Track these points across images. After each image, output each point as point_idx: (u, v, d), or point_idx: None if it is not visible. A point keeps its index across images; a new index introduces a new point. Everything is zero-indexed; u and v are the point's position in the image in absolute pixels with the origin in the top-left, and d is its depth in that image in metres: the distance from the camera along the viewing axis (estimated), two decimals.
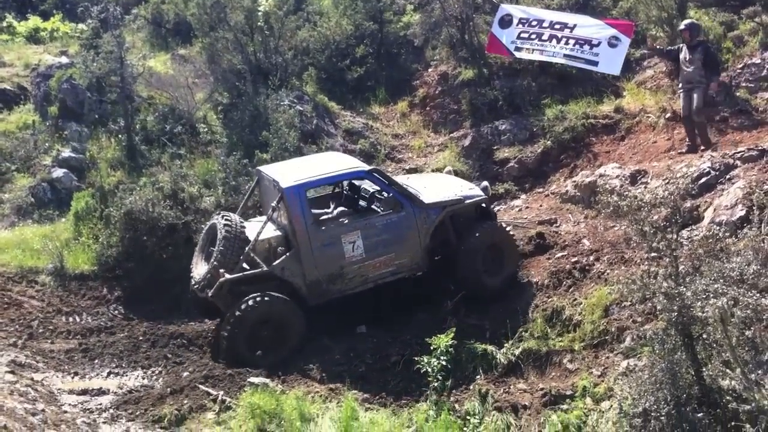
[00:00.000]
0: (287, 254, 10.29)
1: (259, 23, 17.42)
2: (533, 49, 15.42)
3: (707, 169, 11.08)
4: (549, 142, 15.15)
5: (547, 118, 15.54)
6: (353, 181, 11.71)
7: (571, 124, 15.11)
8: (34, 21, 24.07)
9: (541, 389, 8.66)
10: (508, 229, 11.59)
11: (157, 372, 9.99)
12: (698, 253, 6.97)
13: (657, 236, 6.95)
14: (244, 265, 10.23)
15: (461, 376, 9.27)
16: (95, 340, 10.73)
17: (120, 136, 16.11)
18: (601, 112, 15.04)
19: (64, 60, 18.70)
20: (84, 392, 9.24)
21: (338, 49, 18.98)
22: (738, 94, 13.86)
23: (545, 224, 12.38)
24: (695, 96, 12.81)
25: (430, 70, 18.95)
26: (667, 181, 11.16)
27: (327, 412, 8.33)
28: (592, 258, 10.66)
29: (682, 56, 13.05)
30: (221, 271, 10.02)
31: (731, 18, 15.45)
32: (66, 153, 15.69)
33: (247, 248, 10.22)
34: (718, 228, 8.70)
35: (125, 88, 16.44)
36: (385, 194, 10.84)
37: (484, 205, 11.56)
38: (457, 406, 8.53)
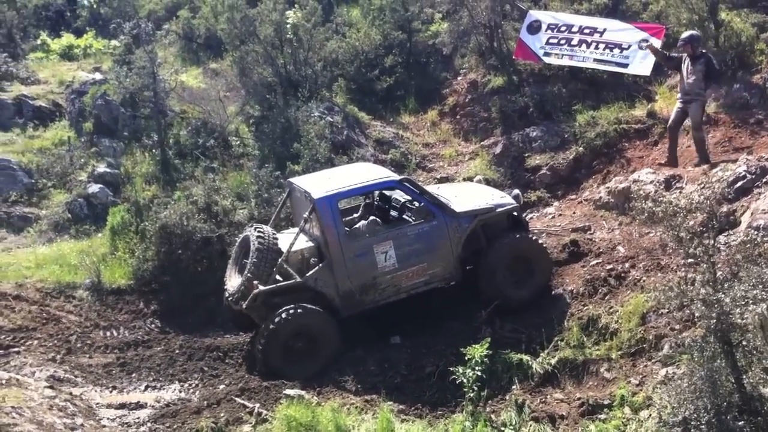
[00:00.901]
0: (320, 265, 10.31)
1: (288, 36, 17.54)
2: (563, 54, 15.40)
3: (743, 173, 10.90)
4: (581, 148, 15.03)
5: (579, 124, 15.42)
6: (384, 192, 11.73)
7: (603, 129, 14.97)
8: (67, 38, 24.49)
9: (579, 399, 8.58)
10: (538, 239, 11.46)
11: (193, 385, 10.09)
12: (736, 259, 6.89)
13: (693, 242, 6.86)
14: (278, 277, 10.29)
15: (497, 387, 9.19)
16: (132, 354, 10.86)
17: (154, 150, 16.30)
18: (634, 117, 14.90)
19: (97, 76, 19.01)
20: (122, 406, 9.38)
21: (367, 59, 19.04)
22: None
23: (579, 231, 12.27)
24: (692, 110, 12.52)
25: (459, 78, 18.92)
26: (702, 185, 11.04)
27: (363, 423, 8.33)
28: (627, 265, 10.54)
29: (684, 66, 12.77)
30: (255, 282, 10.07)
31: (764, 19, 15.22)
32: (101, 168, 15.89)
33: (280, 260, 10.27)
34: (756, 232, 8.67)
35: (158, 102, 16.64)
36: (417, 203, 10.83)
37: (515, 213, 11.48)
38: (493, 416, 8.46)
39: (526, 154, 15.63)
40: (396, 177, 11.08)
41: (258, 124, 17.04)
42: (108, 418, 9.01)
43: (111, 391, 9.81)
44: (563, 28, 15.58)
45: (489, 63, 18.26)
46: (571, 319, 10.04)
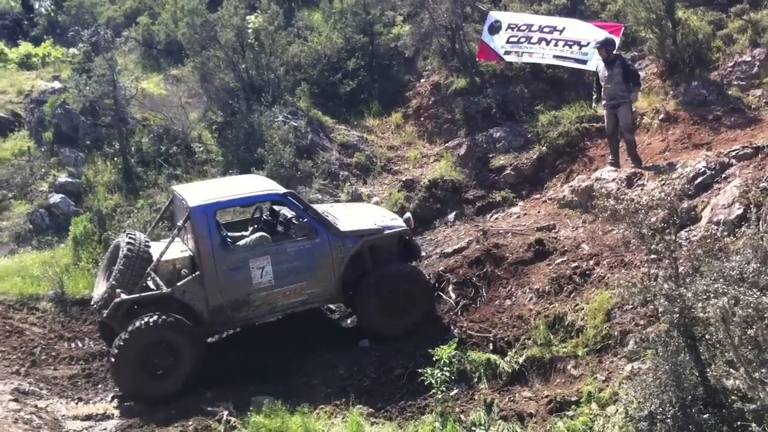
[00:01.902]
0: (190, 276, 9.78)
1: (249, 40, 17.50)
2: (522, 52, 15.63)
3: (703, 169, 11.09)
4: (544, 147, 15.16)
5: (541, 123, 15.56)
6: (274, 207, 11.39)
7: (565, 129, 15.12)
8: (25, 47, 24.14)
9: (546, 396, 8.62)
10: (420, 270, 11.14)
11: None
12: (697, 254, 6.97)
13: (655, 238, 6.94)
14: (150, 284, 9.89)
15: (466, 387, 9.23)
16: (98, 364, 10.71)
17: (115, 159, 16.14)
18: (595, 115, 15.05)
19: (57, 85, 18.77)
20: (88, 417, 9.24)
21: (330, 63, 19.06)
22: (730, 92, 13.89)
23: (544, 230, 12.34)
24: (621, 114, 12.68)
25: (422, 80, 19.01)
26: (663, 182, 11.19)
27: (332, 428, 8.32)
28: (592, 262, 10.61)
29: (601, 74, 12.94)
30: (118, 291, 9.51)
31: (720, 16, 15.54)
32: (62, 178, 15.70)
33: (149, 268, 9.76)
34: (716, 227, 8.77)
35: (119, 110, 16.47)
36: (300, 219, 10.39)
37: (407, 238, 11.17)
38: (462, 416, 8.47)
39: (491, 155, 15.72)
40: (280, 190, 10.61)
41: (221, 129, 16.97)
42: (74, 430, 8.89)
43: (77, 403, 9.66)
44: (523, 27, 15.77)
45: (451, 65, 18.36)
46: (538, 317, 10.09)
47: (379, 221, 10.98)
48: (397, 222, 11.13)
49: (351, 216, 11.14)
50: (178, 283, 9.73)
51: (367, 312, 10.53)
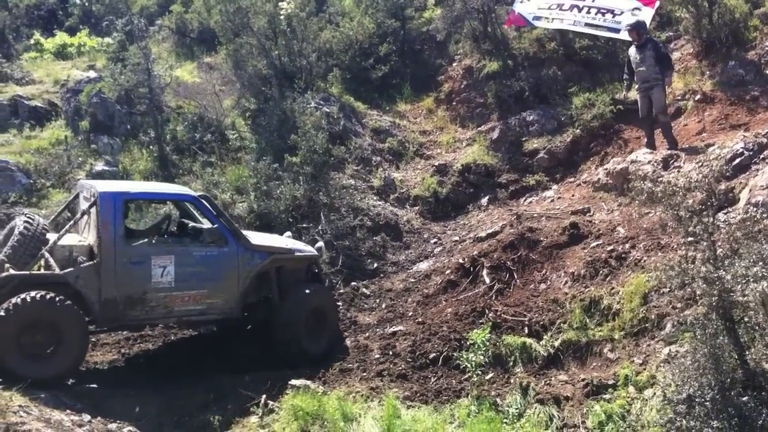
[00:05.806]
0: (87, 263, 9.15)
1: (281, 27, 17.53)
2: (553, 18, 15.52)
3: (740, 150, 10.94)
4: (578, 130, 15.06)
5: (575, 106, 15.45)
6: (188, 212, 10.79)
7: (599, 111, 15.01)
8: (60, 37, 24.49)
9: (583, 380, 8.60)
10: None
11: (199, 378, 10.06)
12: (736, 236, 6.87)
13: (693, 220, 6.87)
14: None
15: (501, 370, 9.23)
16: (137, 349, 10.86)
17: (151, 146, 16.32)
18: (629, 97, 14.89)
19: (92, 74, 19.00)
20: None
21: (361, 48, 19.08)
22: (767, 72, 13.68)
23: (578, 214, 12.29)
24: (655, 95, 12.63)
25: (454, 64, 18.94)
26: (700, 163, 11.06)
27: (369, 411, 8.33)
28: (627, 246, 10.54)
29: (633, 57, 12.86)
30: (7, 266, 8.89)
31: None
32: (99, 166, 15.90)
33: (44, 249, 9.17)
34: (755, 209, 8.67)
35: (154, 99, 16.66)
36: (210, 225, 9.93)
37: (315, 269, 11.07)
38: (498, 400, 8.49)
39: (524, 139, 15.68)
40: (193, 193, 10.38)
41: (254, 116, 17.06)
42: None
43: (116, 388, 9.80)
44: None
45: (483, 48, 18.28)
46: (573, 301, 10.05)
47: (291, 244, 10.82)
48: (309, 249, 10.97)
49: (263, 237, 10.91)
50: (73, 268, 9.09)
51: (294, 332, 10.12)
